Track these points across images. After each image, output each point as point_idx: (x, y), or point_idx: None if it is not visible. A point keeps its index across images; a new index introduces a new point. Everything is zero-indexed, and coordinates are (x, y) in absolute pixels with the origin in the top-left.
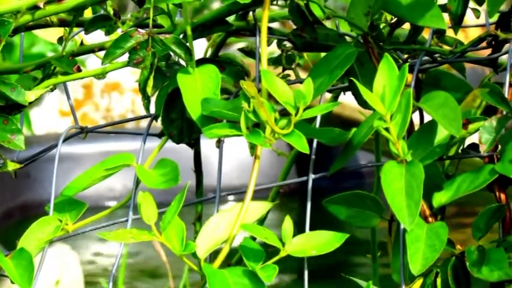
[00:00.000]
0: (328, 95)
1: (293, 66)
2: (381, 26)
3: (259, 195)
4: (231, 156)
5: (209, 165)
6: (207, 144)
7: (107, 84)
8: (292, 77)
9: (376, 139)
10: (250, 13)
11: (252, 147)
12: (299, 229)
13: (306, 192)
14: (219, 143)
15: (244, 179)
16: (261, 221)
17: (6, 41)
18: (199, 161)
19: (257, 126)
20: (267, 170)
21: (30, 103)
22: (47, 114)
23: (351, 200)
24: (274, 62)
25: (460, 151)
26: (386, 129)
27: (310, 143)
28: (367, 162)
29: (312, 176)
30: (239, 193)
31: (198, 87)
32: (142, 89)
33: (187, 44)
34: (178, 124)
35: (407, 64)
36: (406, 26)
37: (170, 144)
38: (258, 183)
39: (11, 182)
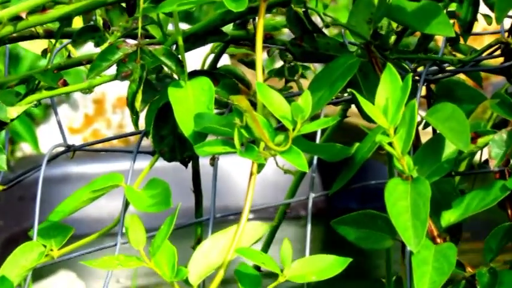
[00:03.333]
0: (335, 108)
1: (296, 78)
2: (387, 34)
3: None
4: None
5: (229, 184)
6: (227, 161)
7: (120, 99)
8: (295, 90)
9: (388, 154)
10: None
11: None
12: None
13: (334, 213)
14: (213, 161)
15: (267, 198)
16: (268, 243)
17: (12, 53)
18: (197, 180)
19: (253, 143)
20: (281, 188)
21: (12, 120)
22: (56, 131)
23: (360, 221)
24: (276, 73)
25: (476, 166)
26: (390, 144)
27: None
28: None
29: (312, 195)
30: (236, 214)
31: (190, 102)
32: (131, 104)
33: (179, 56)
34: (170, 141)
35: (411, 74)
36: (419, 33)
37: (174, 162)
38: (264, 204)
39: (17, 205)
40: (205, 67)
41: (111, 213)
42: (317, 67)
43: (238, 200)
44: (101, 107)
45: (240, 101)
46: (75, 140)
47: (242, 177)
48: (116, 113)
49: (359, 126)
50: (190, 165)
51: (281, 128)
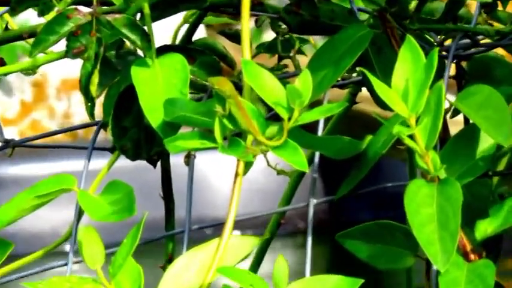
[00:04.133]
0: (341, 91)
1: (291, 54)
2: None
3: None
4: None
5: (208, 188)
6: (206, 159)
7: (65, 82)
8: (291, 69)
9: (407, 150)
10: None
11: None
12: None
13: (340, 224)
14: (189, 159)
15: (256, 206)
16: (257, 262)
17: None
18: (168, 184)
19: (239, 136)
20: (273, 194)
21: None
22: None
23: (373, 234)
24: (267, 48)
25: None
26: (411, 137)
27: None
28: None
29: (313, 202)
30: (217, 225)
31: (159, 85)
32: (85, 88)
33: (145, 27)
34: (134, 134)
35: (437, 49)
36: None
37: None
38: (252, 213)
39: None
40: (178, 41)
41: (55, 227)
42: (318, 41)
43: (220, 208)
44: (42, 91)
45: (221, 83)
46: (9, 134)
47: (224, 179)
48: (60, 99)
49: (371, 114)
50: (159, 164)
51: (274, 118)
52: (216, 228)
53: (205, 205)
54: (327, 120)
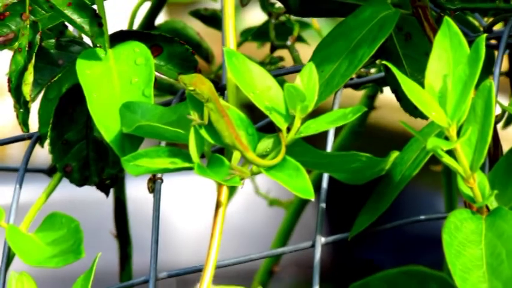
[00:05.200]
0: (354, 93)
1: (289, 43)
2: None
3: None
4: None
5: (178, 224)
6: (176, 184)
7: None
8: (288, 63)
9: (444, 172)
10: None
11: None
12: None
13: (351, 271)
14: (153, 184)
15: (241, 247)
16: None
17: None
18: (124, 218)
19: (222, 152)
20: (263, 232)
21: None
22: None
23: (397, 284)
24: (256, 35)
25: None
26: (451, 154)
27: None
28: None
29: (321, 241)
30: (191, 272)
31: (115, 84)
32: (15, 89)
33: (94, 7)
34: (80, 151)
35: (484, 36)
36: None
37: (87, 189)
38: (237, 257)
39: None
40: (136, 25)
41: None
42: (324, 25)
43: (194, 251)
44: None
45: (197, 82)
46: None
47: (201, 212)
48: None
49: (397, 124)
50: (112, 191)
51: (268, 128)
52: (187, 279)
53: (173, 247)
54: (338, 131)
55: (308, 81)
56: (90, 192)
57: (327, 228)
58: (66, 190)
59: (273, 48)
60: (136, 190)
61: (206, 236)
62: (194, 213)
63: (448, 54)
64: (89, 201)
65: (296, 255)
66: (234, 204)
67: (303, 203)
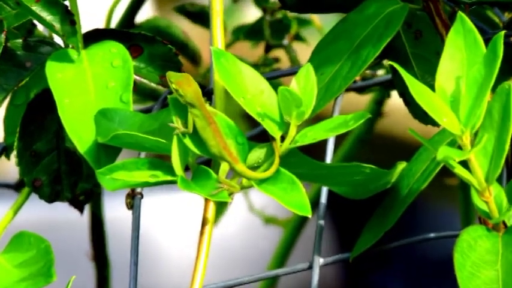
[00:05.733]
0: (360, 98)
1: (285, 42)
2: None
3: None
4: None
5: (160, 245)
6: (157, 201)
7: None
8: (285, 64)
9: (461, 185)
10: None
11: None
12: None
13: None
14: (132, 200)
15: (232, 271)
16: None
17: None
18: (100, 239)
19: (208, 164)
20: (257, 254)
21: None
22: None
23: None
24: (249, 34)
25: None
26: (464, 164)
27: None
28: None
29: (319, 261)
30: None
31: (89, 89)
32: None
33: (66, 2)
34: (51, 163)
35: (503, 33)
36: None
37: (62, 209)
38: (227, 281)
39: None
40: (115, 23)
41: None
42: (325, 22)
43: (182, 274)
44: None
45: (183, 83)
46: None
47: (189, 231)
48: None
49: (405, 133)
50: (87, 208)
51: (260, 137)
52: None
53: (158, 270)
54: (338, 141)
55: (305, 84)
56: (63, 209)
57: (337, 248)
58: (37, 208)
59: (268, 48)
60: (115, 207)
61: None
62: (182, 232)
63: (461, 53)
64: (62, 220)
65: (296, 279)
66: (226, 223)
67: (302, 221)
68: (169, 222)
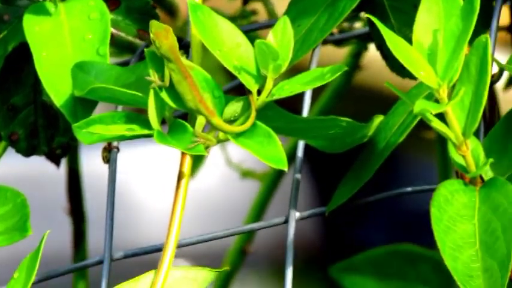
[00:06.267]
0: (338, 51)
1: None
2: None
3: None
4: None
5: (136, 198)
6: (134, 155)
7: None
8: (262, 17)
9: (439, 139)
10: None
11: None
12: None
13: (338, 253)
14: (108, 154)
15: (210, 225)
16: None
17: None
18: (77, 193)
19: (185, 118)
20: (235, 208)
21: None
22: None
23: (386, 265)
24: None
25: None
26: (441, 118)
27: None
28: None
29: (295, 215)
30: (151, 252)
31: (66, 42)
32: None
33: None
34: (27, 117)
35: None
36: None
37: (33, 161)
38: (204, 235)
39: None
40: None
41: None
42: None
43: (155, 229)
44: None
45: (161, 35)
46: None
47: (162, 185)
48: None
49: (382, 85)
50: (64, 163)
51: (236, 91)
52: (150, 259)
53: (133, 225)
54: (316, 94)
55: (282, 37)
56: (40, 163)
57: (318, 203)
58: (14, 162)
59: (246, 1)
60: (92, 161)
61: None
62: (161, 186)
63: (438, 6)
64: (39, 175)
65: (274, 234)
66: (203, 176)
67: (279, 175)
68: (147, 175)
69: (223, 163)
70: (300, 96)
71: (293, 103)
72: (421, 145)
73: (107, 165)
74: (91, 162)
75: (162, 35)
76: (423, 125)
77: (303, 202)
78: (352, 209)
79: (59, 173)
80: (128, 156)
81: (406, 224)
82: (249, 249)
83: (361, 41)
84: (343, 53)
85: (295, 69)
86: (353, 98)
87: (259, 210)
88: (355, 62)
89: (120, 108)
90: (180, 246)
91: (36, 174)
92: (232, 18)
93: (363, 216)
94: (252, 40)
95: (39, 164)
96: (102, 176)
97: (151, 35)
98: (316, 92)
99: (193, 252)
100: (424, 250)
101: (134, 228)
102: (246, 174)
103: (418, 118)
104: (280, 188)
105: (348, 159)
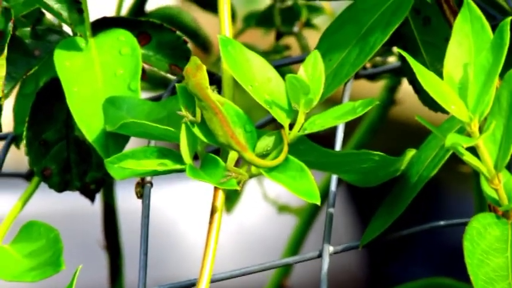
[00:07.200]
0: (371, 85)
1: (296, 29)
2: None
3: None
4: (232, 220)
5: (172, 234)
6: (168, 191)
7: None
8: (296, 52)
9: (475, 173)
10: None
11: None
12: None
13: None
14: (142, 189)
15: (245, 259)
16: None
17: None
18: (113, 228)
19: (217, 153)
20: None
21: None
22: None
23: None
24: (260, 21)
25: None
26: (473, 152)
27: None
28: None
29: (329, 249)
30: (187, 286)
31: (97, 77)
32: None
33: None
34: (60, 152)
35: (509, 18)
36: None
37: (74, 198)
38: (239, 270)
39: None
40: (124, 11)
41: None
42: (336, 8)
43: (191, 263)
44: None
45: (190, 73)
46: None
47: (196, 220)
48: None
49: (414, 119)
50: (99, 198)
51: (269, 125)
52: None
53: (170, 260)
54: (351, 128)
55: (313, 71)
56: (75, 199)
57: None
58: (48, 197)
59: (279, 35)
60: (128, 195)
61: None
62: (199, 220)
63: (469, 40)
64: (75, 210)
65: (311, 268)
66: (240, 212)
67: (315, 209)
68: (184, 210)
69: (260, 198)
70: (331, 131)
71: (326, 137)
72: (459, 179)
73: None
74: (127, 197)
75: (191, 72)
76: (460, 158)
77: (347, 234)
78: (388, 242)
79: (95, 208)
80: (164, 191)
81: (443, 257)
82: (287, 284)
83: (395, 75)
84: (378, 87)
85: (327, 103)
86: (389, 132)
87: (296, 245)
88: (390, 96)
89: (152, 143)
90: (214, 280)
91: (72, 209)
92: (266, 53)
93: (400, 249)
94: (285, 75)
95: (74, 199)
96: (138, 210)
97: (185, 78)
98: (352, 126)
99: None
100: (460, 283)
101: (171, 263)
102: (282, 209)
103: (450, 152)
104: (318, 222)
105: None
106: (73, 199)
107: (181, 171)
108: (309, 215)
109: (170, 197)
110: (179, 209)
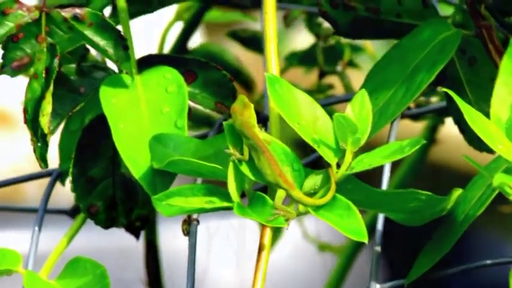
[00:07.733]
0: (415, 125)
1: (339, 68)
2: None
3: None
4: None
5: (216, 270)
6: (213, 227)
7: (2, 113)
8: (338, 91)
9: None
10: None
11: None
12: None
13: None
14: (188, 227)
15: None
16: None
17: None
18: (156, 266)
19: (264, 191)
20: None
21: None
22: None
23: None
24: (303, 60)
25: None
26: None
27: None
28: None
29: (375, 287)
30: None
31: (143, 114)
32: (32, 121)
33: (119, 28)
34: (106, 189)
35: None
36: None
37: (114, 234)
38: None
39: None
40: (168, 48)
41: None
42: (379, 48)
43: None
44: None
45: (237, 112)
46: None
47: (242, 256)
48: None
49: (461, 159)
50: (142, 235)
51: (316, 164)
52: None
53: None
54: (394, 167)
55: (360, 110)
56: (118, 236)
57: (388, 274)
58: (92, 234)
59: (322, 74)
60: (170, 233)
61: None
62: (247, 260)
63: None
64: (118, 247)
65: None
66: (280, 250)
67: (356, 247)
68: (221, 248)
69: (300, 236)
70: (376, 170)
71: (369, 176)
72: (496, 219)
73: (183, 238)
74: (169, 235)
75: (239, 110)
76: (497, 199)
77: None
78: (431, 282)
79: (138, 245)
80: (207, 225)
81: None
82: None
83: (437, 115)
84: (419, 127)
85: (372, 143)
86: (428, 172)
87: (337, 284)
88: (431, 136)
89: (199, 180)
90: None
91: (115, 246)
92: (309, 92)
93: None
94: (328, 114)
95: (117, 236)
96: (179, 248)
97: (232, 117)
98: (392, 167)
99: None
100: None
101: None
102: (322, 247)
103: (496, 192)
104: (357, 261)
105: (413, 232)
106: (117, 236)
107: (229, 208)
108: (351, 253)
109: (211, 229)
110: (220, 240)
